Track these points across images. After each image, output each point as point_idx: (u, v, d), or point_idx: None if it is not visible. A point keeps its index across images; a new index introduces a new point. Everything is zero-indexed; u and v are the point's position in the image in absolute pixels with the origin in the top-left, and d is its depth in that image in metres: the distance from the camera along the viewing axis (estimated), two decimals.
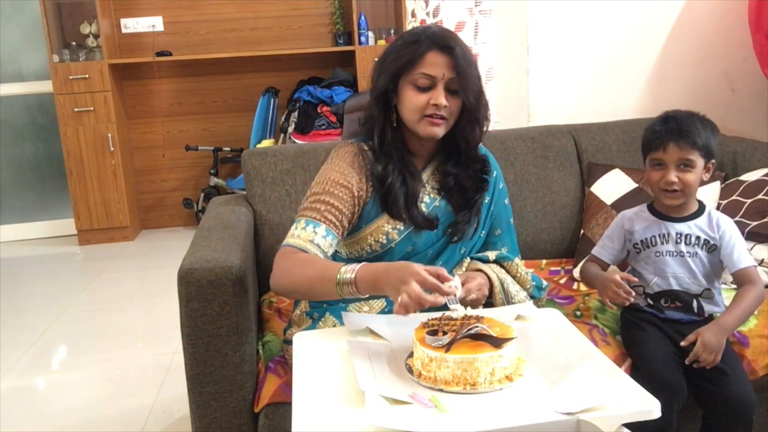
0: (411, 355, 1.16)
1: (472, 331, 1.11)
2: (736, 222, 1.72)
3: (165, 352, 2.72)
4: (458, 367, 1.06)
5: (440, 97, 1.40)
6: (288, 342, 1.53)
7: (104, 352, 2.87)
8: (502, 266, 1.55)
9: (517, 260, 1.58)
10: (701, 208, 1.64)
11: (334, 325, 1.47)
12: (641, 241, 1.65)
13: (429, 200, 1.52)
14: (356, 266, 1.25)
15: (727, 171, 2.23)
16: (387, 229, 1.48)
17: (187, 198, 4.71)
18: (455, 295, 1.18)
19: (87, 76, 4.22)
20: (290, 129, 4.36)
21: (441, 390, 1.07)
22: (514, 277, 1.54)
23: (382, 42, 4.58)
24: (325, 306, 1.51)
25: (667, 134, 1.56)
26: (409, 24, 3.31)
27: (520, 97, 2.85)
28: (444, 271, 1.19)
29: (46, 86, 4.39)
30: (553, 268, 2.14)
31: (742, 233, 1.81)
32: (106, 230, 4.43)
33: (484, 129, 1.50)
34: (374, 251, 1.49)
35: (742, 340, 1.65)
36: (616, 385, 1.08)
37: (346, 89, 4.42)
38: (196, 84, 4.72)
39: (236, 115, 4.74)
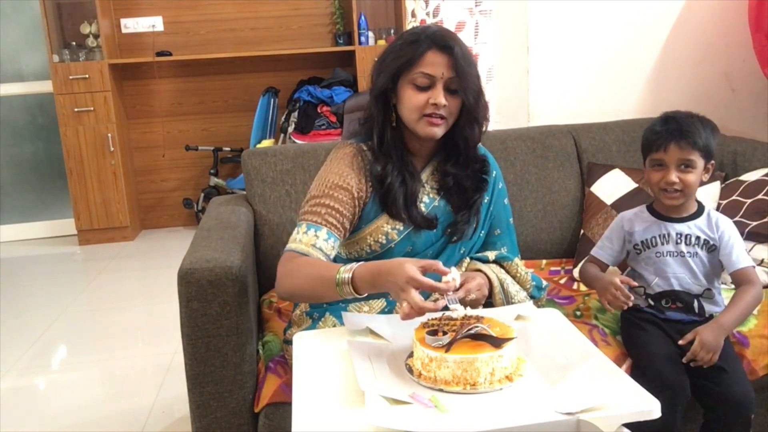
0: (411, 355, 1.16)
1: (472, 331, 1.11)
2: (735, 222, 1.73)
3: (165, 352, 2.72)
4: (458, 367, 1.06)
5: (439, 96, 1.40)
6: (288, 342, 1.53)
7: (104, 352, 2.87)
8: (502, 266, 1.55)
9: (517, 260, 1.58)
10: (700, 208, 1.64)
11: (334, 325, 1.47)
12: (641, 241, 1.65)
13: (428, 200, 1.52)
14: (354, 265, 1.25)
15: (727, 171, 2.23)
16: (386, 229, 1.48)
17: (187, 198, 4.71)
18: (455, 286, 1.20)
19: (87, 76, 4.22)
20: (290, 129, 4.36)
21: (441, 390, 1.07)
22: (513, 277, 1.54)
23: (382, 42, 4.58)
24: (325, 306, 1.51)
25: (668, 135, 1.56)
26: (409, 24, 3.31)
27: (520, 97, 2.85)
28: (439, 264, 1.19)
29: (46, 86, 4.39)
30: (553, 268, 2.14)
31: (742, 233, 1.81)
32: (106, 230, 4.43)
33: (484, 129, 1.50)
34: (374, 251, 1.49)
35: (742, 340, 1.65)
36: (616, 385, 1.08)
37: (346, 89, 4.42)
38: (196, 84, 4.71)
39: (236, 115, 4.74)
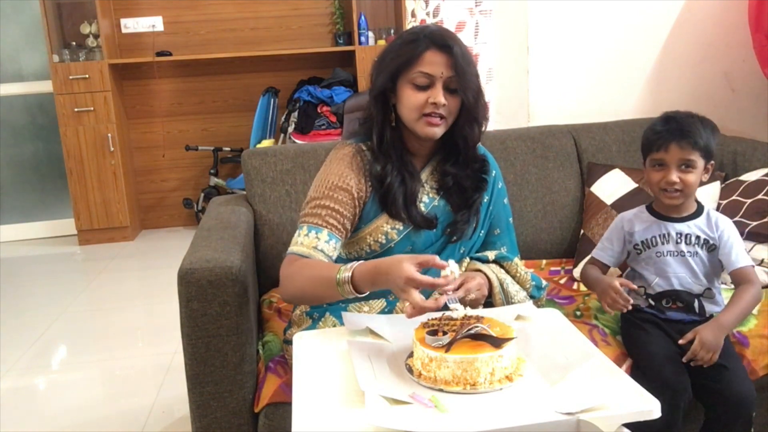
0: (411, 355, 1.16)
1: (472, 331, 1.11)
2: (735, 222, 1.73)
3: (165, 352, 2.72)
4: (458, 367, 1.06)
5: (439, 95, 1.40)
6: (288, 342, 1.53)
7: (104, 352, 2.87)
8: (502, 266, 1.55)
9: (517, 260, 1.58)
10: (700, 208, 1.65)
11: (334, 325, 1.47)
12: (642, 241, 1.65)
13: (428, 200, 1.52)
14: (354, 264, 1.26)
15: (727, 171, 2.23)
16: (386, 228, 1.48)
17: (187, 198, 4.71)
18: (455, 278, 1.20)
19: (87, 76, 4.22)
20: (290, 129, 4.36)
21: (441, 390, 1.07)
22: (513, 276, 1.54)
23: (382, 42, 4.58)
24: (325, 306, 1.51)
25: (669, 135, 1.57)
26: (409, 24, 3.31)
27: (520, 97, 2.85)
28: (436, 259, 1.19)
29: (46, 86, 4.39)
30: (553, 268, 2.14)
31: (742, 233, 1.81)
32: (106, 230, 4.43)
33: (483, 128, 1.50)
34: (374, 251, 1.49)
35: (742, 340, 1.65)
36: (616, 385, 1.08)
37: (346, 89, 4.42)
38: (196, 84, 4.71)
39: (236, 115, 4.74)
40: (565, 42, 2.76)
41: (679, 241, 1.61)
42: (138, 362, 2.75)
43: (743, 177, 2.12)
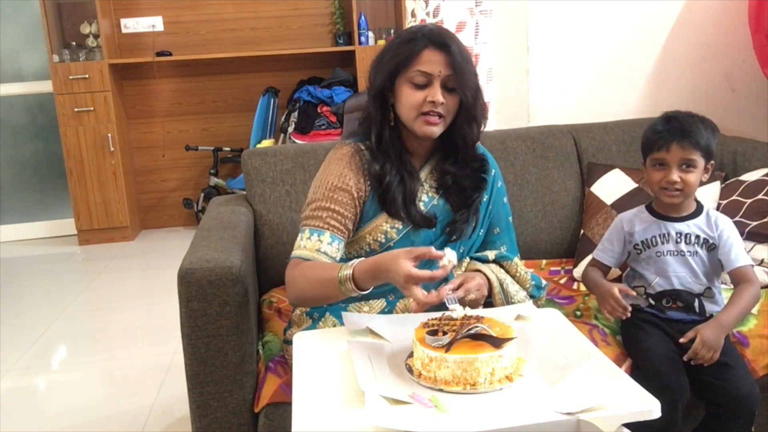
0: (411, 355, 1.16)
1: (472, 331, 1.11)
2: (735, 222, 1.73)
3: (165, 352, 2.72)
4: (458, 367, 1.06)
5: (437, 94, 1.40)
6: (288, 342, 1.53)
7: (104, 352, 2.87)
8: (502, 266, 1.55)
9: (517, 259, 1.58)
10: (699, 207, 1.65)
11: (334, 325, 1.48)
12: (642, 241, 1.65)
13: (427, 199, 1.52)
14: (354, 262, 1.27)
15: (727, 171, 2.23)
16: (385, 228, 1.48)
17: (187, 198, 4.71)
18: (454, 265, 1.22)
19: (87, 76, 4.22)
20: (290, 129, 4.36)
21: (441, 390, 1.07)
22: (513, 276, 1.54)
23: (382, 42, 4.58)
24: (325, 306, 1.52)
25: (670, 134, 1.57)
26: (409, 24, 3.31)
27: (520, 97, 2.85)
28: (432, 250, 1.20)
29: (46, 86, 4.39)
30: (553, 268, 2.14)
31: (742, 233, 1.81)
32: (106, 230, 4.43)
33: (482, 127, 1.50)
34: (373, 250, 1.49)
35: (742, 340, 1.65)
36: (616, 385, 1.08)
37: (346, 89, 4.42)
38: (196, 84, 4.71)
39: (236, 115, 4.74)
40: (565, 42, 2.76)
41: (678, 240, 1.61)
42: (138, 362, 2.75)
43: (743, 177, 2.12)
